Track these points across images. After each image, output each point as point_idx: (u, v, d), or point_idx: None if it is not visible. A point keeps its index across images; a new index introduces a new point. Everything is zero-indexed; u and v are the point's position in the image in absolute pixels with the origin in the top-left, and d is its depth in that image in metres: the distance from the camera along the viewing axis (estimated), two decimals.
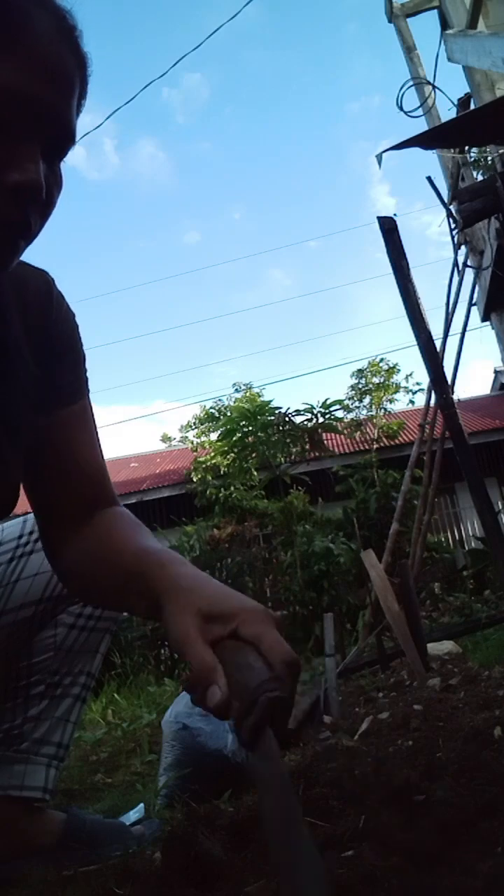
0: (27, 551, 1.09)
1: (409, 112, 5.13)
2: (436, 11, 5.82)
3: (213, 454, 9.13)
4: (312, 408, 9.32)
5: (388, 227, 3.33)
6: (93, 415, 0.88)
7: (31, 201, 0.62)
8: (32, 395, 0.79)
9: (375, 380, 13.37)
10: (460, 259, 5.21)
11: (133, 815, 1.38)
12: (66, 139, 0.65)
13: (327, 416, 9.35)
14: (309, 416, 9.36)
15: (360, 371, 13.59)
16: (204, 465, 9.03)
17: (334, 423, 9.78)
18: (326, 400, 9.53)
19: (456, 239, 5.08)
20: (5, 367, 0.76)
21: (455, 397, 3.61)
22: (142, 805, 1.42)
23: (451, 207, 4.43)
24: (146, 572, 0.69)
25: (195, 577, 0.68)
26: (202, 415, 12.96)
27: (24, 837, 1.07)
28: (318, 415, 9.33)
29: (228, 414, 9.69)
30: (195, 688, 0.59)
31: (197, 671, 0.58)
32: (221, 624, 0.61)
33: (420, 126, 5.32)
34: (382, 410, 13.18)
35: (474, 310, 5.72)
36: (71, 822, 1.12)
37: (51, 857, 1.04)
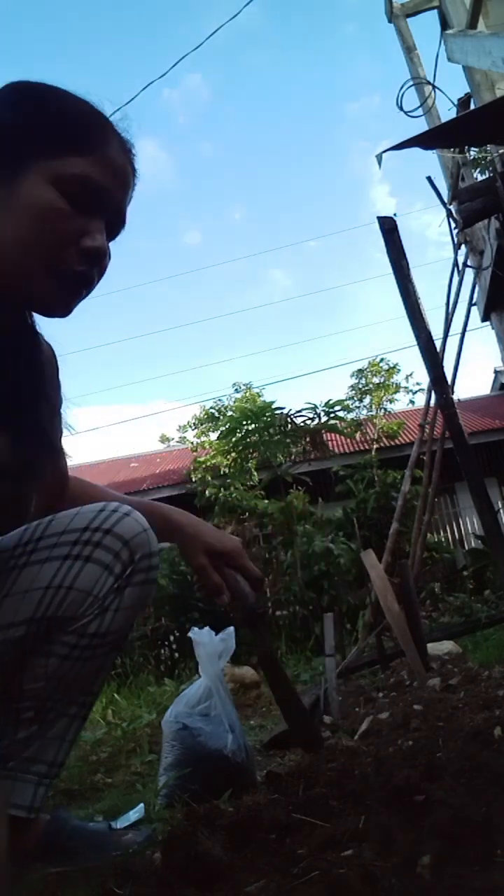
0: (19, 564, 1.02)
1: (409, 112, 5.13)
2: (436, 11, 5.82)
3: (213, 454, 9.13)
4: (315, 407, 9.32)
5: (388, 227, 3.33)
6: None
7: (97, 263, 0.87)
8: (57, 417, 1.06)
9: (375, 380, 13.38)
10: (460, 259, 5.21)
11: (133, 815, 1.38)
12: (119, 224, 0.91)
13: (330, 416, 9.35)
14: (311, 416, 9.36)
15: (360, 371, 13.60)
16: (204, 465, 9.03)
17: (337, 423, 9.78)
18: (329, 400, 9.53)
19: (456, 239, 5.08)
20: (41, 387, 0.97)
21: (455, 397, 3.60)
22: (142, 805, 1.42)
23: (451, 207, 4.43)
24: (162, 513, 1.19)
25: (197, 524, 1.20)
26: (202, 415, 12.97)
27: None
28: (321, 414, 9.34)
29: (230, 413, 9.69)
30: (209, 596, 1.15)
31: (210, 588, 1.15)
32: (219, 557, 1.17)
33: (420, 126, 5.32)
34: (382, 410, 13.19)
35: (474, 310, 5.72)
36: (50, 828, 1.10)
37: (25, 862, 1.03)
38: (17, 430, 0.89)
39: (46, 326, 0.99)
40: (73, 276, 0.85)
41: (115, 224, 0.90)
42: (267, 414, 8.89)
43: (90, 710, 1.12)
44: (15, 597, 1.01)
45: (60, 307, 0.88)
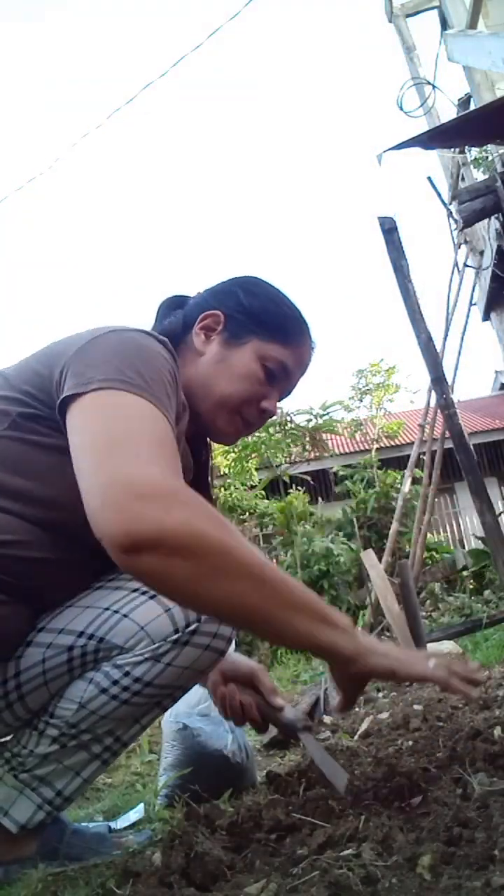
0: (96, 586, 1.08)
1: (409, 112, 5.13)
2: (436, 11, 5.82)
3: (215, 450, 9.12)
4: (311, 410, 9.34)
5: (388, 228, 3.33)
6: None
7: (266, 419, 1.19)
8: None
9: (375, 380, 13.38)
10: (460, 259, 5.21)
11: (133, 815, 1.38)
12: (289, 394, 1.21)
13: (325, 418, 9.37)
14: (309, 417, 9.38)
15: (360, 371, 13.60)
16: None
17: (333, 424, 9.80)
18: (325, 402, 9.55)
19: (456, 239, 5.08)
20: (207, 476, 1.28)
21: (455, 397, 3.60)
22: (142, 805, 1.42)
23: (451, 207, 4.43)
24: None
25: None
26: None
27: None
28: (317, 417, 9.35)
29: None
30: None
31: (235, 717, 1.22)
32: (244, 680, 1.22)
33: (420, 126, 5.32)
34: (382, 410, 13.19)
35: (474, 310, 5.72)
36: (51, 829, 1.09)
37: (23, 866, 1.02)
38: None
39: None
40: (246, 424, 1.16)
41: (285, 394, 1.21)
42: None
43: (113, 758, 1.10)
44: (77, 608, 1.05)
45: (228, 440, 1.21)
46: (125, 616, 1.03)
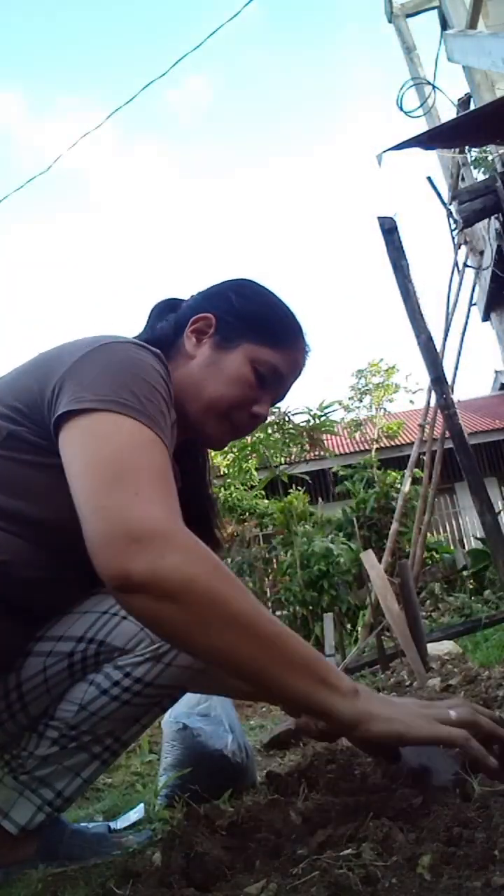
0: (93, 592, 1.08)
1: (409, 112, 5.13)
2: (436, 11, 5.82)
3: (212, 454, 9.12)
4: (309, 410, 9.35)
5: (388, 228, 3.33)
6: None
7: (257, 425, 1.16)
8: None
9: (375, 380, 13.38)
10: (460, 259, 5.21)
11: (133, 815, 1.38)
12: (281, 399, 1.19)
13: (322, 419, 9.38)
14: (307, 418, 9.39)
15: (359, 371, 13.61)
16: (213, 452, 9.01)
17: (332, 424, 9.81)
18: (323, 402, 9.55)
19: (456, 239, 5.08)
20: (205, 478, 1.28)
21: (455, 397, 3.60)
22: (142, 805, 1.42)
23: (451, 207, 4.43)
24: None
25: None
26: None
27: None
28: (315, 417, 9.36)
29: None
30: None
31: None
32: None
33: (420, 126, 5.32)
34: (382, 410, 13.19)
35: (474, 310, 5.73)
36: (50, 830, 1.09)
37: (23, 867, 1.02)
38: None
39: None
40: (235, 429, 1.14)
41: (278, 398, 1.18)
42: None
43: (114, 758, 1.10)
44: (74, 614, 1.05)
45: (218, 445, 1.19)
46: (124, 618, 1.04)
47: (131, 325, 1.43)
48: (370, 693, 0.86)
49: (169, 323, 1.17)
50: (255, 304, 1.14)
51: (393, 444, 11.25)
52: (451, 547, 9.39)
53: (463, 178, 5.53)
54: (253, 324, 1.11)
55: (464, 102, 4.94)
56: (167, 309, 1.22)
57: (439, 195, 4.57)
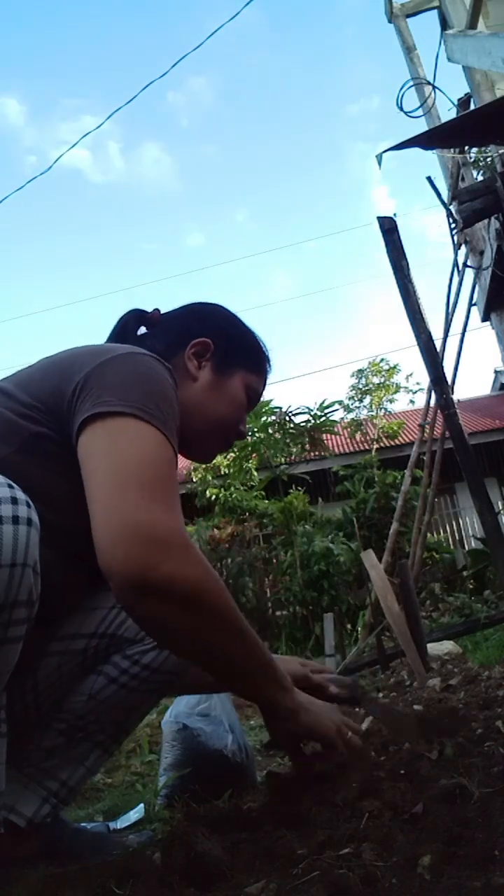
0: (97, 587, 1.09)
1: (409, 112, 5.13)
2: (436, 11, 5.81)
3: None
4: (309, 410, 9.35)
5: (388, 227, 3.33)
6: None
7: (241, 439, 1.29)
8: None
9: (376, 380, 13.38)
10: (460, 259, 5.21)
11: (133, 815, 1.38)
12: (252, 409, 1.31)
13: (322, 419, 9.38)
14: (307, 418, 9.39)
15: (360, 371, 13.61)
16: (204, 465, 9.02)
17: (332, 424, 9.80)
18: (323, 402, 9.55)
19: (456, 239, 5.08)
20: None
21: (455, 397, 3.60)
22: (142, 805, 1.42)
23: (451, 207, 4.43)
24: None
25: None
26: None
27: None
28: (315, 417, 9.37)
29: None
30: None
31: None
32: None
33: (420, 126, 5.31)
34: (382, 410, 13.19)
35: (474, 310, 5.72)
36: (51, 830, 1.09)
37: (25, 867, 1.02)
38: None
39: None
40: (227, 445, 1.26)
41: (251, 410, 1.31)
42: (265, 412, 8.90)
43: (116, 746, 1.14)
44: (84, 612, 1.09)
45: (209, 460, 1.28)
46: None
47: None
48: (299, 692, 1.04)
49: (157, 339, 1.19)
50: (243, 331, 1.26)
51: (393, 444, 11.24)
52: (451, 547, 9.39)
53: (463, 178, 5.52)
54: (245, 352, 1.24)
55: (464, 102, 4.93)
56: (138, 321, 1.24)
57: (439, 195, 4.56)
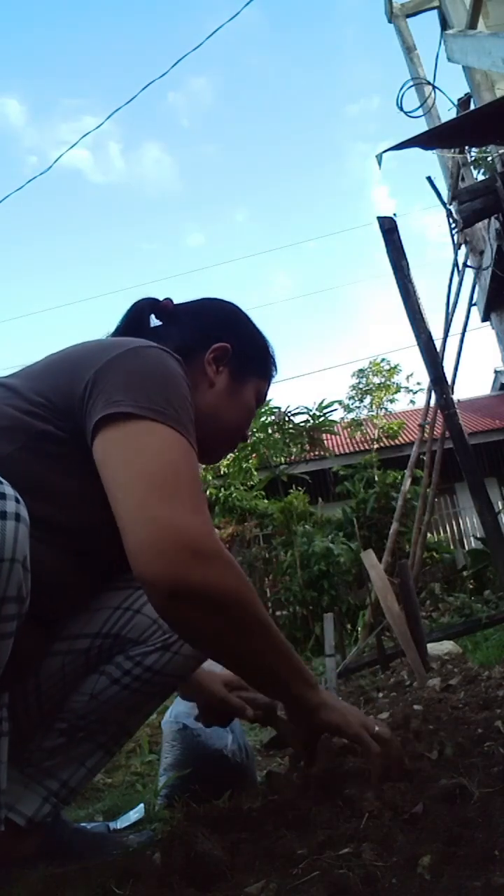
0: (101, 588, 1.10)
1: (409, 112, 5.13)
2: (436, 11, 5.81)
3: None
4: (308, 410, 9.36)
5: (388, 227, 3.33)
6: None
7: (241, 443, 1.31)
8: None
9: (376, 380, 13.39)
10: (460, 259, 5.21)
11: (133, 815, 1.38)
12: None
13: (321, 419, 9.39)
14: (306, 418, 9.39)
15: (360, 371, 13.62)
16: (204, 465, 9.03)
17: (331, 424, 9.81)
18: (322, 401, 9.56)
19: (456, 239, 5.08)
20: None
21: (455, 397, 3.60)
22: (142, 805, 1.42)
23: (451, 207, 4.43)
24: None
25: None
26: None
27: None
28: (314, 417, 9.37)
29: None
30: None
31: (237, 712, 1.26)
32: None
33: (420, 126, 5.31)
34: (383, 410, 13.19)
35: (474, 310, 5.72)
36: (51, 829, 1.09)
37: (25, 867, 1.02)
38: None
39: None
40: (234, 448, 1.31)
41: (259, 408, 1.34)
42: (265, 412, 8.90)
43: (117, 747, 1.14)
44: (88, 612, 1.09)
45: (216, 461, 1.32)
46: (137, 612, 1.09)
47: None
48: (325, 690, 1.05)
49: (173, 334, 1.18)
50: (257, 339, 1.28)
51: (393, 444, 11.24)
52: (451, 547, 9.40)
53: (463, 178, 5.52)
54: (260, 360, 1.27)
55: (464, 102, 4.93)
56: (150, 310, 1.23)
57: (439, 195, 4.57)
